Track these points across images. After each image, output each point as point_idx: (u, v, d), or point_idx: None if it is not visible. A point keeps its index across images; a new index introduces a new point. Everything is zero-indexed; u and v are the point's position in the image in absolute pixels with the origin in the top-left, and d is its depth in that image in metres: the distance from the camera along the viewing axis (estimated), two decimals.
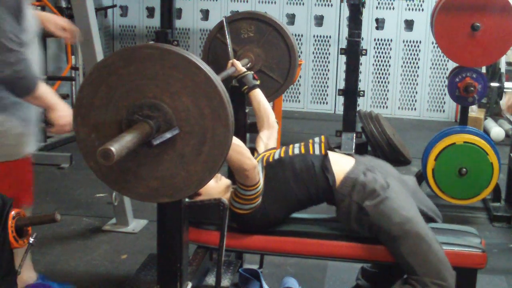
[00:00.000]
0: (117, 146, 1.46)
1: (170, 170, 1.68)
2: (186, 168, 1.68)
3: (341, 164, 2.39)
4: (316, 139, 2.50)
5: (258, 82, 2.80)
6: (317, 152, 2.42)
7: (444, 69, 6.50)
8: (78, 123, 1.70)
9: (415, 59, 6.55)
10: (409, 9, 6.47)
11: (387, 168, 2.48)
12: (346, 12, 5.44)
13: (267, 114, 2.75)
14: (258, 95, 2.76)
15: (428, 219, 2.41)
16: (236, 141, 2.10)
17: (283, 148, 2.48)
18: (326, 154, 2.40)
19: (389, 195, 2.28)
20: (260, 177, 2.28)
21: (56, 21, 2.72)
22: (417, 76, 6.59)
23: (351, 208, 2.30)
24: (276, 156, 2.42)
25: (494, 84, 4.18)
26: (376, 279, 2.69)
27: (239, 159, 2.17)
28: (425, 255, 2.24)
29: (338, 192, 2.32)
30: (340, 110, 5.97)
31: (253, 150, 2.48)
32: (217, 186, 2.42)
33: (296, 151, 2.43)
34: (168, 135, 1.64)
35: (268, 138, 2.70)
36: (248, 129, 2.90)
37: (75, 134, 1.72)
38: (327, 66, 6.70)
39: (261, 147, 2.65)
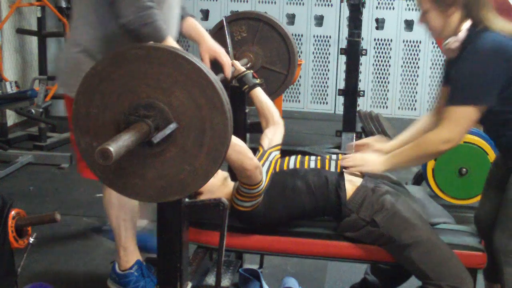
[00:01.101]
0: (115, 145, 1.46)
1: (175, 167, 1.69)
2: (190, 162, 1.68)
3: (352, 182, 2.40)
4: (334, 156, 2.51)
5: (258, 81, 2.79)
6: (332, 169, 2.43)
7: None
8: (78, 134, 1.70)
9: (415, 59, 6.55)
10: (409, 9, 6.47)
11: (395, 185, 2.48)
12: (346, 12, 5.45)
13: (271, 112, 2.73)
14: (259, 93, 2.75)
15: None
16: (236, 140, 2.10)
17: (299, 158, 2.48)
18: (342, 173, 2.41)
19: (398, 208, 2.30)
20: (263, 176, 2.28)
21: (215, 52, 2.70)
22: (417, 76, 6.59)
23: (357, 223, 2.31)
24: (291, 166, 2.44)
25: None
26: (386, 277, 2.69)
27: (239, 158, 2.17)
28: (438, 260, 2.25)
29: (346, 208, 2.33)
30: (340, 110, 5.97)
31: (255, 150, 2.48)
32: (216, 180, 2.42)
33: (312, 164, 2.44)
34: (167, 131, 1.64)
35: (273, 134, 2.70)
36: (248, 129, 2.90)
37: (76, 145, 1.72)
38: (327, 66, 6.69)
39: (265, 143, 2.65)
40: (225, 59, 2.70)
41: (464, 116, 2.18)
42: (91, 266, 3.18)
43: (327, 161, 2.47)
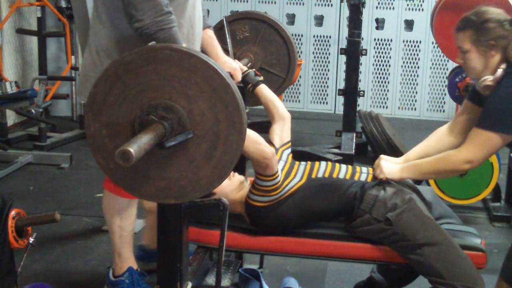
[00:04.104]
0: (136, 148, 1.46)
1: (178, 172, 1.68)
2: (195, 171, 1.68)
3: None
4: (364, 170, 2.49)
5: (261, 78, 2.80)
6: (362, 179, 2.42)
7: (444, 69, 6.50)
8: (90, 118, 1.70)
9: (415, 59, 6.55)
10: (409, 9, 6.46)
11: (404, 184, 2.48)
12: (346, 12, 5.44)
13: (276, 106, 2.74)
14: (263, 90, 2.76)
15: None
16: (249, 132, 2.09)
17: (329, 168, 2.46)
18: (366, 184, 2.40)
19: (411, 206, 2.30)
20: (278, 168, 2.28)
21: (229, 68, 2.72)
22: (417, 76, 6.59)
23: (370, 222, 2.31)
24: (320, 175, 2.42)
25: None
26: (391, 276, 2.69)
27: (257, 148, 2.17)
28: (453, 260, 2.25)
29: (359, 209, 2.33)
30: (340, 110, 5.97)
31: None
32: (231, 184, 2.43)
33: (341, 175, 2.43)
34: (181, 138, 1.64)
35: (282, 130, 2.70)
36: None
37: (85, 128, 1.73)
38: (327, 66, 6.69)
39: (276, 141, 2.65)
40: (238, 75, 2.74)
41: (489, 141, 2.23)
42: (91, 266, 3.18)
43: (357, 173, 2.45)
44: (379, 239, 2.32)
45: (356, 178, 2.42)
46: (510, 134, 2.23)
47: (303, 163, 2.53)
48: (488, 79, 2.31)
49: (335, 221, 2.44)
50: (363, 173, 2.45)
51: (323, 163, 2.49)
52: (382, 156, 2.46)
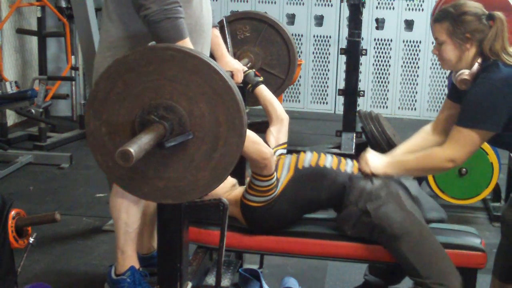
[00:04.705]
0: (136, 148, 1.46)
1: (177, 173, 1.68)
2: (194, 172, 1.68)
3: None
4: (349, 162, 2.50)
5: (261, 79, 2.80)
6: (348, 170, 2.43)
7: (444, 69, 6.49)
8: (91, 116, 1.70)
9: (415, 59, 6.55)
10: (409, 9, 6.46)
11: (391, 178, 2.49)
12: (346, 12, 5.44)
13: (274, 108, 2.74)
14: (263, 91, 2.76)
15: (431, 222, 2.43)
16: (249, 132, 2.09)
17: (315, 157, 2.46)
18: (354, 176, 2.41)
19: (394, 199, 2.31)
20: (274, 167, 2.29)
21: (231, 69, 2.74)
22: (417, 76, 6.59)
23: (355, 214, 2.31)
24: (306, 164, 2.43)
25: None
26: (383, 275, 2.69)
27: (256, 148, 2.18)
28: (427, 255, 2.25)
29: (346, 199, 2.34)
30: (340, 110, 5.97)
31: None
32: (223, 186, 2.43)
33: (328, 164, 2.43)
34: (181, 139, 1.64)
35: (278, 132, 2.70)
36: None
37: (85, 126, 1.73)
38: (327, 66, 6.69)
39: (271, 142, 2.65)
40: (239, 76, 2.75)
41: (470, 139, 2.24)
42: (91, 266, 3.18)
43: (342, 165, 2.45)
44: (369, 236, 2.32)
45: (342, 168, 2.42)
46: (489, 130, 2.24)
47: (288, 155, 2.53)
48: (465, 73, 2.33)
49: (334, 221, 2.44)
50: (349, 164, 2.46)
51: (309, 153, 2.50)
52: (368, 149, 2.47)
